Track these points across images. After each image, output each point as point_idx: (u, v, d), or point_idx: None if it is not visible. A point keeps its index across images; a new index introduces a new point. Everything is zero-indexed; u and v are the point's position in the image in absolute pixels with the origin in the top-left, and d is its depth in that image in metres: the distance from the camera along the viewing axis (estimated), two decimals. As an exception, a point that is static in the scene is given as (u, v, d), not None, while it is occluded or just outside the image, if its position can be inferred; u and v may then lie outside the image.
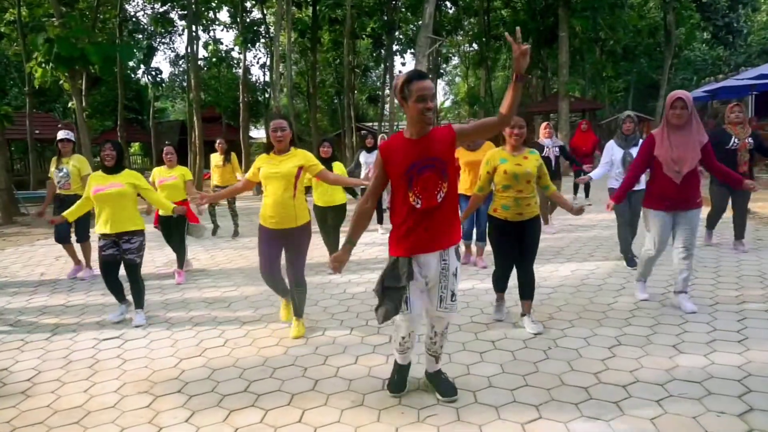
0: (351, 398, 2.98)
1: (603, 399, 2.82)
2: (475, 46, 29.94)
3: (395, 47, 26.56)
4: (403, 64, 56.26)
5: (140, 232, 4.50)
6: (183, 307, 4.93)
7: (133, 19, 29.44)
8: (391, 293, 2.64)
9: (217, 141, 8.68)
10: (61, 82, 19.37)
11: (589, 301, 4.48)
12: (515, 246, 3.86)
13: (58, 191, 6.10)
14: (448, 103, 48.40)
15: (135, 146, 39.09)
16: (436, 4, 18.20)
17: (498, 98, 37.55)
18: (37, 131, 24.17)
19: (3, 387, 3.41)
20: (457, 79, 46.91)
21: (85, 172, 6.08)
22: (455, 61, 39.76)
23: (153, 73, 30.24)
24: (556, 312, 4.25)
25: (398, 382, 2.98)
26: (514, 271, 3.94)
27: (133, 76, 33.44)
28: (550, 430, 2.56)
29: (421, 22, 15.65)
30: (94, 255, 6.49)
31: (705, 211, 4.74)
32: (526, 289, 3.92)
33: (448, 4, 26.63)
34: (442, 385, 2.92)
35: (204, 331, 4.23)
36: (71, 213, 4.66)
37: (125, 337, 4.19)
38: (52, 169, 6.11)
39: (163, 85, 33.38)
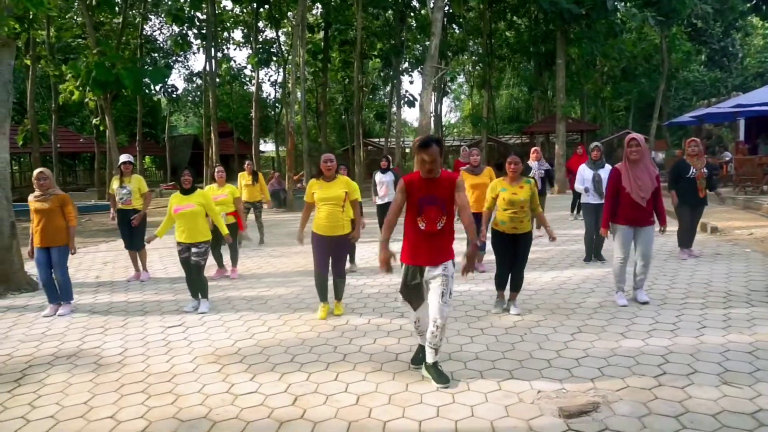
0: (372, 366, 3.99)
1: (560, 367, 3.82)
2: (479, 67, 31.13)
3: (404, 65, 27.84)
4: (411, 83, 57.66)
5: (207, 242, 5.66)
6: (227, 303, 5.96)
7: (150, 39, 30.81)
8: (415, 288, 3.57)
9: (246, 163, 10.01)
10: (86, 100, 20.64)
11: (562, 301, 5.48)
12: (510, 253, 5.01)
13: (120, 206, 7.17)
14: (453, 120, 49.65)
15: (147, 160, 40.35)
16: (443, 26, 19.44)
17: (502, 116, 38.76)
18: (58, 145, 25.48)
19: (101, 359, 4.42)
20: (463, 97, 48.23)
21: (144, 190, 7.21)
22: (461, 78, 41.05)
23: (169, 90, 31.46)
24: (534, 309, 5.25)
25: (421, 358, 3.78)
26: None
27: (147, 92, 34.87)
28: (517, 386, 3.55)
29: (428, 42, 16.85)
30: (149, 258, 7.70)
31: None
32: (515, 285, 5.15)
33: (455, 25, 27.93)
34: (438, 375, 3.61)
35: (249, 321, 5.26)
36: (161, 231, 5.80)
37: (186, 325, 5.21)
38: (115, 186, 7.16)
39: (179, 101, 34.64)
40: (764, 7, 18.52)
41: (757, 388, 3.35)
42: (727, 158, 16.26)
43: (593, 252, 7.15)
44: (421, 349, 3.84)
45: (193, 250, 5.59)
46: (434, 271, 3.53)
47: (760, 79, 30.85)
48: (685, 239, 7.15)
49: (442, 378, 3.60)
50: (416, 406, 3.32)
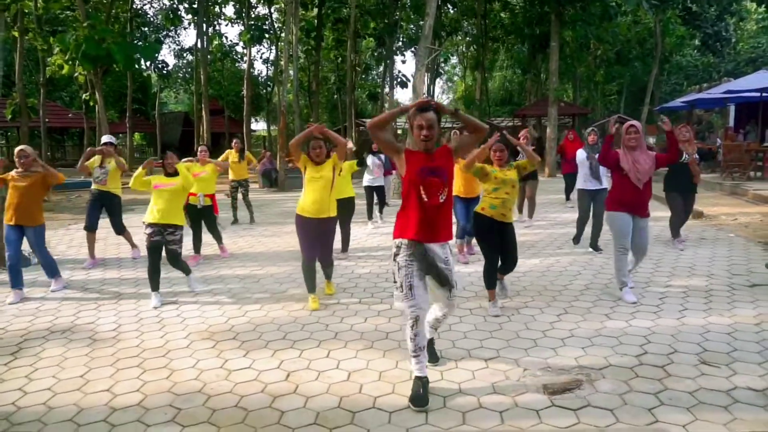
0: (363, 344, 4.09)
1: (545, 346, 3.93)
2: (472, 48, 30.95)
3: (397, 44, 27.60)
4: (404, 63, 57.33)
5: (180, 227, 5.46)
6: (220, 282, 6.02)
7: (140, 12, 30.28)
8: (432, 269, 3.24)
9: (234, 141, 10.05)
10: (75, 74, 20.34)
11: (549, 283, 5.60)
12: (497, 240, 4.81)
13: (94, 186, 7.09)
14: (446, 102, 49.46)
15: (137, 136, 39.93)
16: (437, 6, 19.17)
17: (494, 98, 38.72)
18: (47, 120, 25.14)
19: (96, 335, 4.48)
20: (456, 78, 48.00)
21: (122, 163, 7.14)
22: (454, 59, 40.80)
23: (160, 66, 31.03)
24: (522, 290, 5.36)
25: (422, 396, 3.16)
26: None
27: (136, 66, 34.34)
28: (504, 364, 3.66)
29: (422, 23, 16.70)
30: (138, 237, 7.66)
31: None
32: (506, 268, 4.88)
33: (449, 5, 27.65)
34: (429, 353, 3.58)
35: (242, 299, 5.33)
36: (141, 178, 5.40)
37: (180, 302, 5.28)
38: (96, 165, 7.03)
39: (169, 78, 34.20)
40: (759, -8, 18.44)
41: (733, 367, 3.48)
42: (716, 144, 16.41)
43: (590, 243, 7.03)
44: (421, 385, 3.22)
45: (168, 237, 5.34)
46: (434, 251, 3.26)
47: (752, 65, 30.94)
48: (677, 226, 7.13)
49: (431, 357, 3.69)
50: (406, 382, 3.41)
